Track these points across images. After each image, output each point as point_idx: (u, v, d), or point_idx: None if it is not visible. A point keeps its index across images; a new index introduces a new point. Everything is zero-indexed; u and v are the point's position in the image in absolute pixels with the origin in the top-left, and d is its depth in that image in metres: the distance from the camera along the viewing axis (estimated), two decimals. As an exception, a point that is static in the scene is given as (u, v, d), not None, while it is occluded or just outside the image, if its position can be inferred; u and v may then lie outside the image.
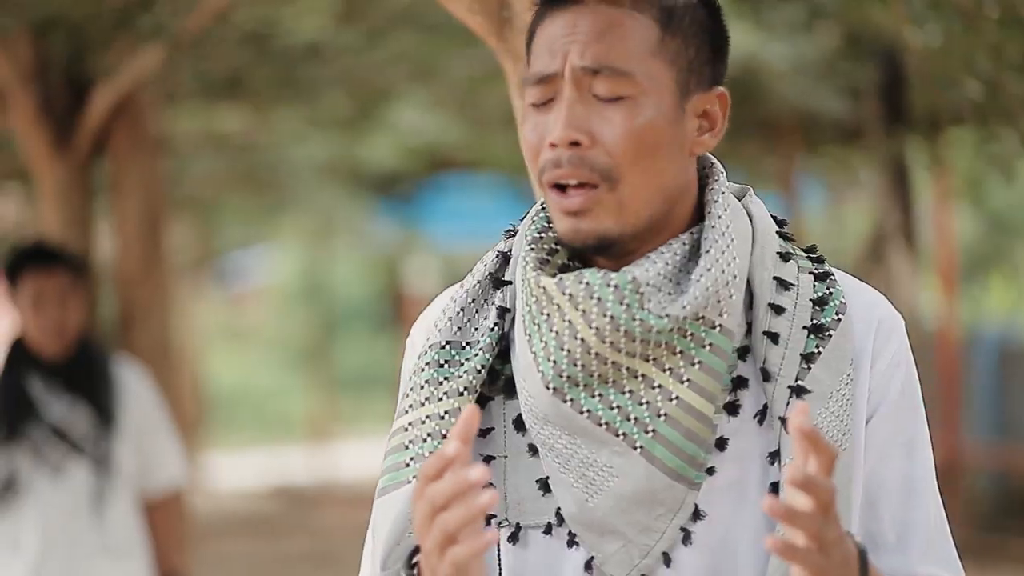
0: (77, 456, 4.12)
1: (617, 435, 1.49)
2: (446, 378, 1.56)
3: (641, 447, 1.48)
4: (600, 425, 1.49)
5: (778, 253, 1.57)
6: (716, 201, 1.54)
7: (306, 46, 5.86)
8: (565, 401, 1.50)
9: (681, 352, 1.49)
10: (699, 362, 1.49)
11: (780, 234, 1.59)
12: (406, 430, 1.57)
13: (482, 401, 1.57)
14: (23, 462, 4.11)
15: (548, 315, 1.51)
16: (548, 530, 1.54)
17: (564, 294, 1.49)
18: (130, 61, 4.92)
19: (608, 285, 1.48)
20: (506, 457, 1.56)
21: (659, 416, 1.48)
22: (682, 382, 1.48)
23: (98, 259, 5.09)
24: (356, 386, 29.23)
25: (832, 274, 1.58)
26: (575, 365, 1.49)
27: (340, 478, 17.85)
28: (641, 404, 1.49)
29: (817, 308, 1.54)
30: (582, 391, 1.49)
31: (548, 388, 1.50)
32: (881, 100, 6.64)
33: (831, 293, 1.55)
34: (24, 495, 4.11)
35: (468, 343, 1.57)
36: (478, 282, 1.60)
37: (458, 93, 6.83)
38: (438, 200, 14.97)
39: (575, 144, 1.48)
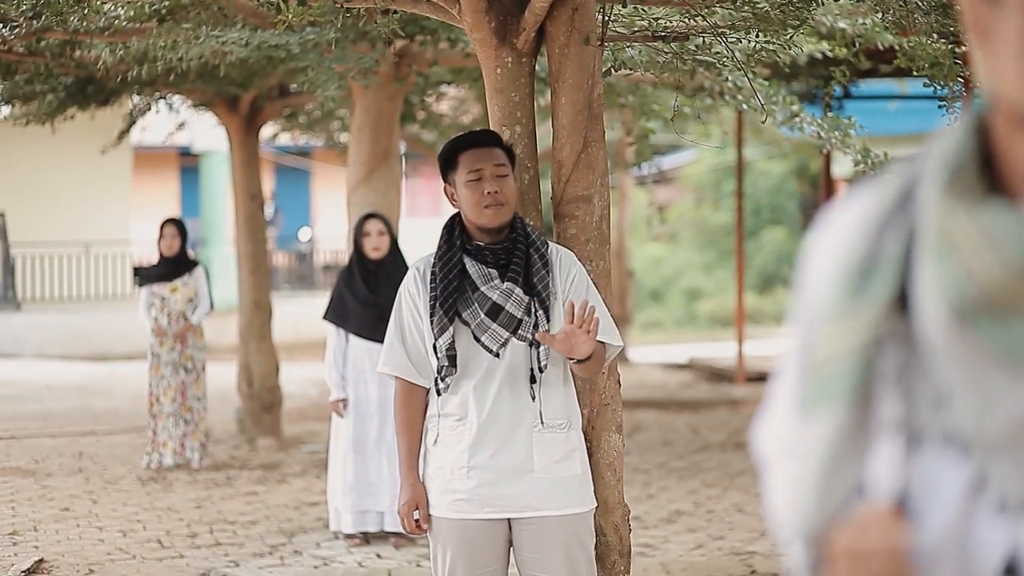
0: (514, 334, 4.28)
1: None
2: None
3: None
4: (1004, 354, 1.46)
5: None
6: None
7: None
8: (967, 330, 1.47)
9: None
10: None
11: None
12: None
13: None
14: (464, 340, 4.30)
15: (953, 244, 1.47)
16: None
17: (972, 226, 1.45)
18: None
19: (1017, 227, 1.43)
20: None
21: None
22: None
23: (538, 149, 5.23)
24: (777, 279, 29.11)
25: None
26: (980, 295, 1.45)
27: (759, 367, 17.94)
28: None
29: None
30: (985, 320, 1.46)
31: (951, 315, 1.47)
32: None
33: None
34: (466, 373, 4.31)
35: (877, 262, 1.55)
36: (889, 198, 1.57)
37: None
38: (864, 95, 14.72)
39: None
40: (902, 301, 1.53)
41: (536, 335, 4.23)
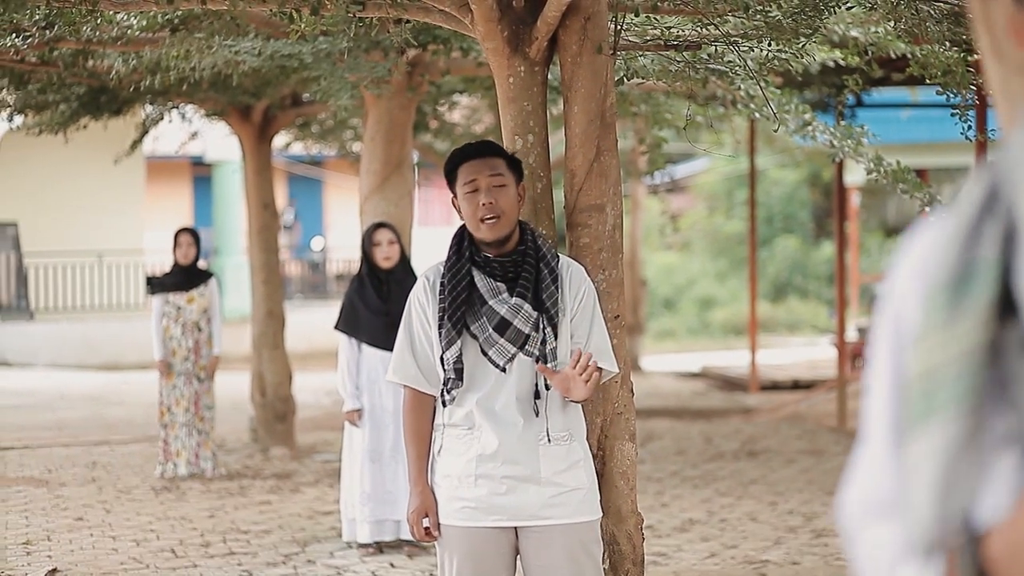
0: (521, 350, 4.27)
1: None
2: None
3: None
4: None
5: None
6: None
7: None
8: None
9: None
10: None
11: None
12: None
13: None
14: (472, 353, 4.30)
15: None
16: None
17: None
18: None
19: None
20: None
21: None
22: None
23: (551, 158, 5.22)
24: (790, 287, 29.08)
25: None
26: None
27: (771, 375, 17.92)
28: None
29: None
30: None
31: None
32: None
33: None
34: (473, 386, 4.30)
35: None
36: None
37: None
38: (877, 103, 14.70)
39: None
40: (1007, 309, 1.42)
41: (537, 367, 4.26)
